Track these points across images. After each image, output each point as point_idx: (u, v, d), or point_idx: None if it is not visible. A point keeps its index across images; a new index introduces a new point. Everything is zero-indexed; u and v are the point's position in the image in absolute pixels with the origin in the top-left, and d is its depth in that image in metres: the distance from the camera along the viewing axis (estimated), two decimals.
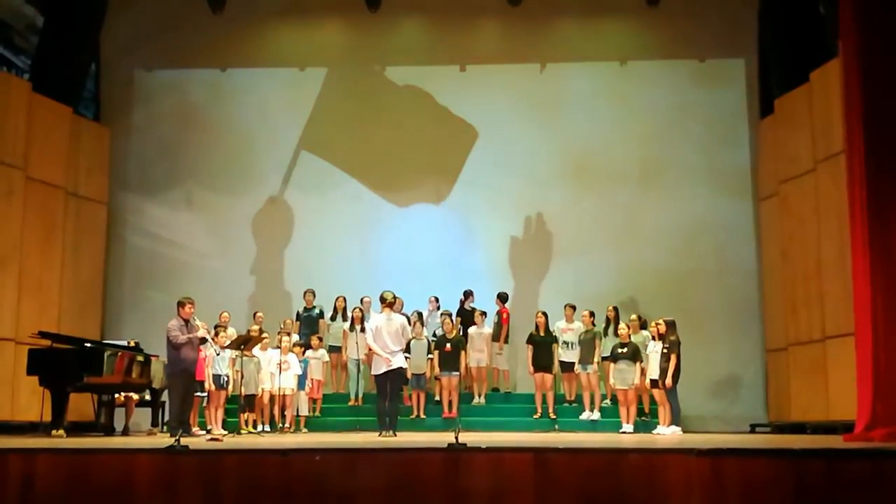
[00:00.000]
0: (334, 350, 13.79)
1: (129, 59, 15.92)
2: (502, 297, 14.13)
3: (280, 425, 12.66)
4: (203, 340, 11.20)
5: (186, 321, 10.80)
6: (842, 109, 9.69)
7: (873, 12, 8.57)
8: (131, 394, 12.47)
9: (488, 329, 13.70)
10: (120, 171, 15.72)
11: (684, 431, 11.85)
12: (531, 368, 13.28)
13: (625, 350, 12.40)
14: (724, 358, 14.59)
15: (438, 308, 14.06)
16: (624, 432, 12.27)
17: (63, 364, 10.80)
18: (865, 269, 8.39)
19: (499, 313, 14.01)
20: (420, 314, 13.61)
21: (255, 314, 13.72)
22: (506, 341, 13.94)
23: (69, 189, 14.43)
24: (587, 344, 13.17)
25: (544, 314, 13.46)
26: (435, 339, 13.36)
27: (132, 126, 15.91)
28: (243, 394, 12.10)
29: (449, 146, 15.59)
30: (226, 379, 12.04)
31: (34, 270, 13.54)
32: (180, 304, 10.88)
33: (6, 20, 14.50)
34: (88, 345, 11.26)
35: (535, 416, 13.18)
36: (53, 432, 10.48)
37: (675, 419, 11.74)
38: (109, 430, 12.37)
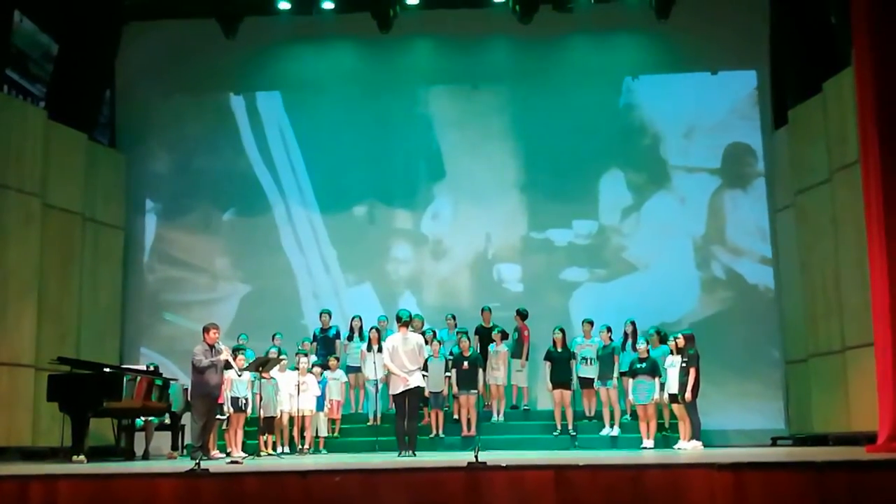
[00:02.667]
0: (353, 370, 13.78)
1: (144, 84, 16.07)
2: (522, 314, 14.06)
3: (299, 447, 12.64)
4: (228, 365, 11.23)
5: (212, 346, 10.84)
6: (856, 119, 9.68)
7: (886, 21, 8.58)
8: (150, 417, 12.50)
9: (504, 348, 13.65)
10: (136, 196, 15.87)
11: (705, 446, 11.77)
12: (549, 385, 13.24)
13: (643, 365, 12.38)
14: (743, 370, 14.48)
15: (456, 326, 14.02)
16: (645, 448, 12.20)
17: (83, 389, 10.82)
18: (883, 279, 8.36)
19: (518, 330, 13.95)
20: (434, 332, 13.58)
21: (273, 336, 13.73)
22: (526, 358, 13.87)
23: (86, 215, 14.53)
24: (606, 359, 13.13)
25: (562, 330, 13.41)
26: (452, 357, 13.32)
27: (147, 151, 16.06)
28: (262, 416, 12.09)
29: (464, 162, 15.59)
30: (245, 401, 12.04)
31: (53, 296, 13.62)
32: (205, 330, 10.92)
33: (22, 49, 14.62)
34: (107, 370, 11.28)
35: (554, 433, 13.12)
36: (74, 458, 10.50)
37: (696, 433, 11.67)
38: (130, 455, 12.37)
